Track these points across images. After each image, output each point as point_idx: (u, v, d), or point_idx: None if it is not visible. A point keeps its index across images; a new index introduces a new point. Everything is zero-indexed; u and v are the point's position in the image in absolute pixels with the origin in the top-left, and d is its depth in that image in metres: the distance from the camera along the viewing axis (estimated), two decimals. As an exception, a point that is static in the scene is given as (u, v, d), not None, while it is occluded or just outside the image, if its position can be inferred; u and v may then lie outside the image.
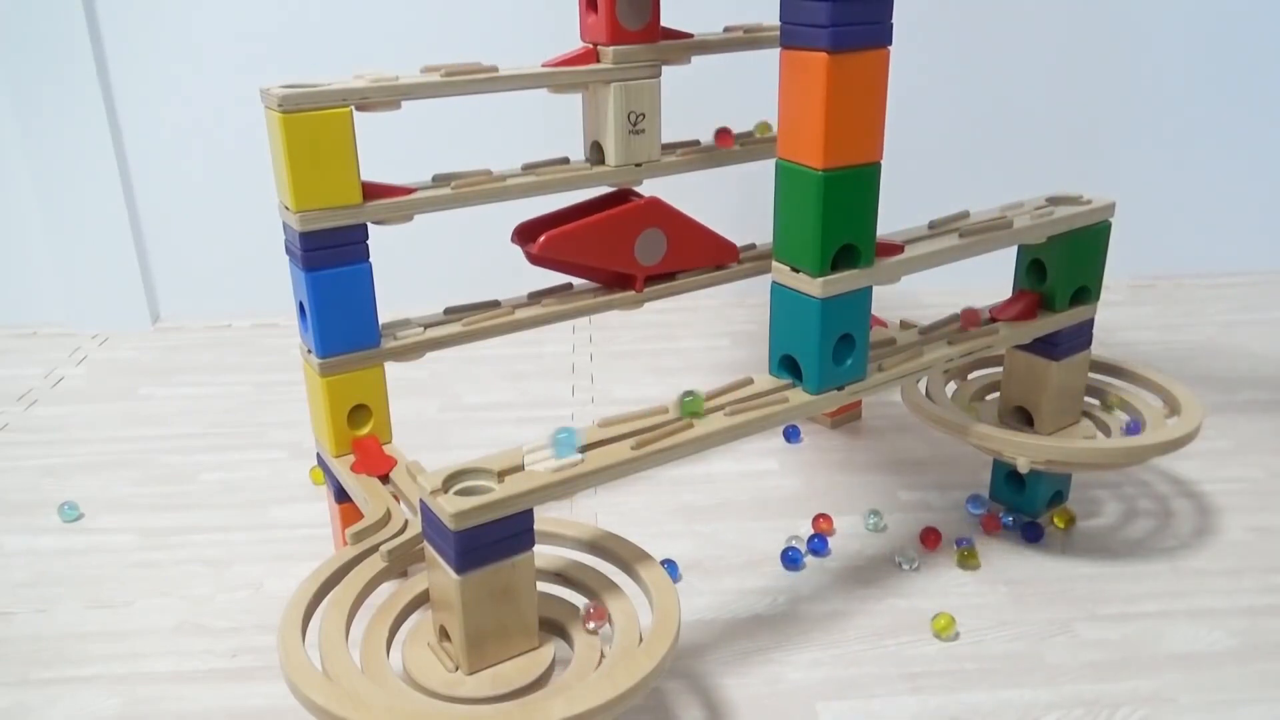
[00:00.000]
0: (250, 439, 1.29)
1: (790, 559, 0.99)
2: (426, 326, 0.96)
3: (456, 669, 0.71)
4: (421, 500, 0.69)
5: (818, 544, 1.01)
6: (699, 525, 1.08)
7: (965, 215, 0.95)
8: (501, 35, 1.56)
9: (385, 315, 0.93)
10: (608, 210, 1.00)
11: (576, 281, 1.05)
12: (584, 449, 0.75)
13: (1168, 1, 1.65)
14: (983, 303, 1.02)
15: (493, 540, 0.68)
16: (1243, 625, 0.91)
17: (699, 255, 1.06)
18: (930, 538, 1.02)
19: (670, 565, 0.98)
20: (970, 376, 1.12)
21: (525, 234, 0.98)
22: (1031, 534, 1.03)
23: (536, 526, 0.72)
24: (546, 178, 0.96)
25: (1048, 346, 0.99)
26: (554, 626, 0.76)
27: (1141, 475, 1.15)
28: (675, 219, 1.03)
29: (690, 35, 1.02)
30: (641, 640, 0.70)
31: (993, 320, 0.98)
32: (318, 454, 0.97)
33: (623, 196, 1.02)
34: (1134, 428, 1.01)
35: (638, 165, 0.99)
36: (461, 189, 0.92)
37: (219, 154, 1.62)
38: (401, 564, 0.79)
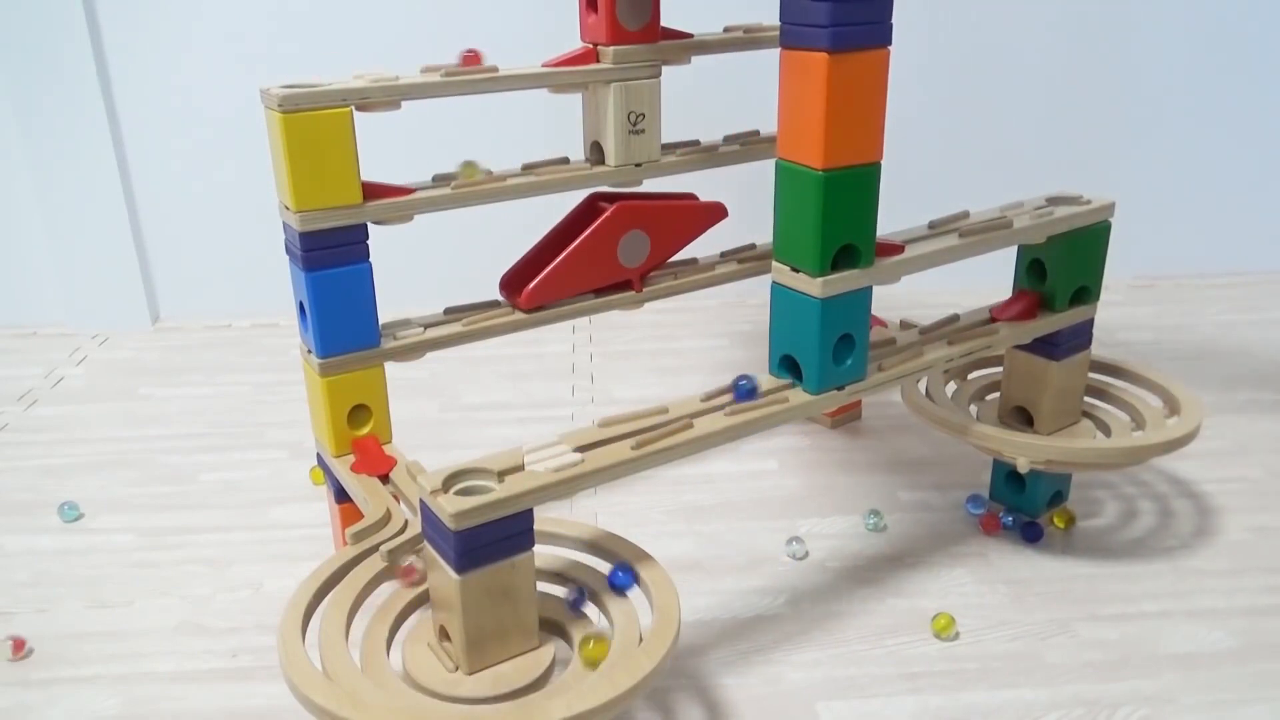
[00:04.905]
0: (250, 439, 1.29)
1: (742, 391, 0.82)
2: (426, 326, 0.96)
3: (456, 669, 0.71)
4: (421, 500, 0.69)
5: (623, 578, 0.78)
6: (699, 525, 1.08)
7: (965, 215, 0.95)
8: (501, 35, 1.56)
9: (385, 315, 0.93)
10: (579, 235, 0.98)
11: (576, 282, 1.04)
12: (584, 449, 0.75)
13: (1168, 1, 1.65)
14: (983, 303, 1.02)
15: (493, 540, 0.68)
16: (1243, 625, 0.91)
17: (685, 233, 1.05)
18: None
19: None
20: (970, 376, 1.12)
21: (510, 286, 0.98)
22: (1031, 534, 1.03)
23: (536, 526, 0.72)
24: (546, 178, 0.96)
25: (1048, 346, 0.99)
26: (554, 626, 0.76)
27: (1141, 475, 1.15)
28: (647, 213, 1.01)
29: (690, 35, 1.02)
30: (641, 640, 0.70)
31: (993, 320, 0.98)
32: (318, 454, 0.97)
33: (591, 206, 1.01)
34: None
35: (638, 165, 0.99)
36: (461, 189, 0.92)
37: (219, 154, 1.62)
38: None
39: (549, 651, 0.73)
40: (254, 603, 0.97)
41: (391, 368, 0.92)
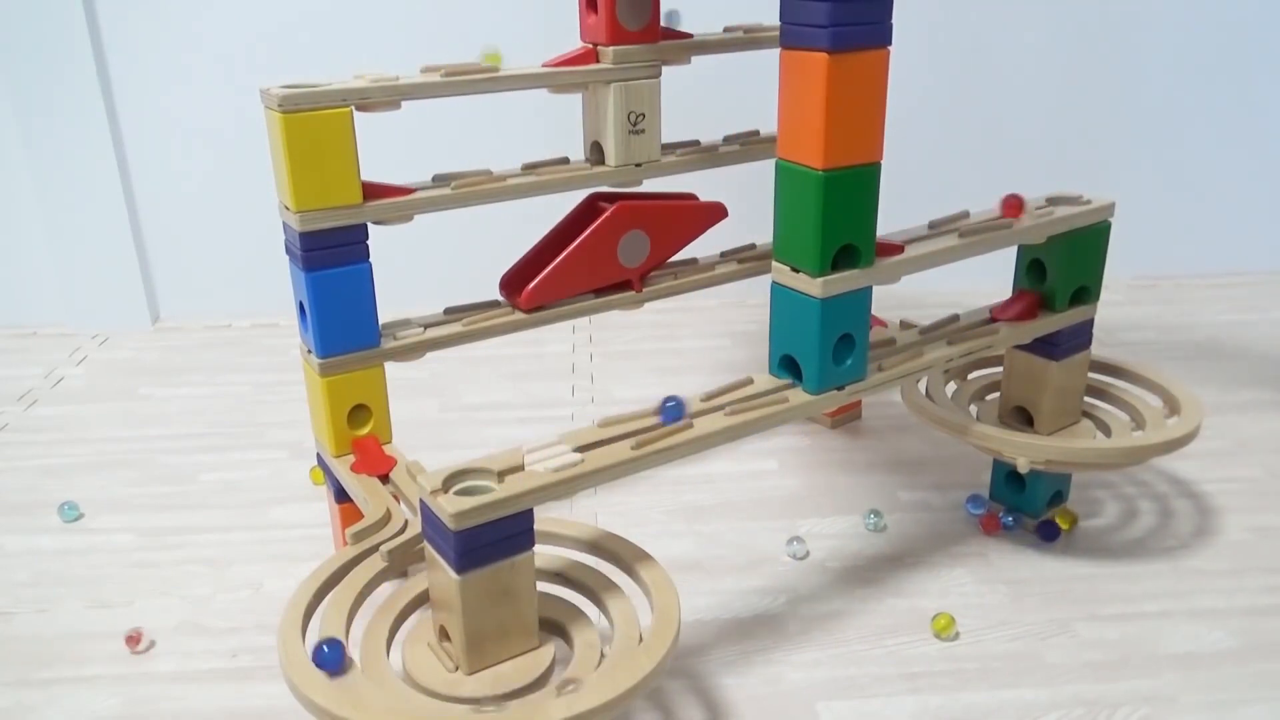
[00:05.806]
0: (250, 439, 1.29)
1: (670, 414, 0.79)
2: (426, 326, 0.96)
3: (456, 669, 0.71)
4: (421, 500, 0.69)
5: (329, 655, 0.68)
6: (699, 525, 1.08)
7: (965, 215, 0.95)
8: (501, 35, 1.56)
9: (385, 315, 0.93)
10: (579, 235, 0.98)
11: (576, 282, 1.04)
12: (584, 449, 0.75)
13: (1167, 2, 1.65)
14: (983, 303, 1.02)
15: (493, 540, 0.68)
16: (1243, 625, 0.91)
17: (685, 233, 1.05)
18: None
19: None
20: (970, 376, 1.12)
21: (510, 285, 0.98)
22: (1047, 533, 1.02)
23: (536, 526, 0.72)
24: (546, 178, 0.96)
25: (1048, 346, 0.99)
26: (554, 626, 0.76)
27: (1141, 475, 1.15)
28: (647, 213, 1.01)
29: (690, 35, 1.02)
30: (641, 640, 0.70)
31: (993, 320, 0.98)
32: (318, 454, 0.97)
33: (591, 206, 1.01)
34: None
35: (638, 165, 0.99)
36: (461, 189, 0.92)
37: (219, 154, 1.62)
38: (401, 564, 0.79)
39: (549, 651, 0.73)
40: (254, 603, 0.97)
41: (391, 368, 0.92)
